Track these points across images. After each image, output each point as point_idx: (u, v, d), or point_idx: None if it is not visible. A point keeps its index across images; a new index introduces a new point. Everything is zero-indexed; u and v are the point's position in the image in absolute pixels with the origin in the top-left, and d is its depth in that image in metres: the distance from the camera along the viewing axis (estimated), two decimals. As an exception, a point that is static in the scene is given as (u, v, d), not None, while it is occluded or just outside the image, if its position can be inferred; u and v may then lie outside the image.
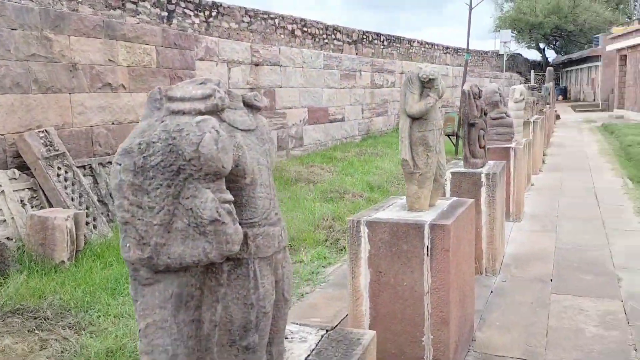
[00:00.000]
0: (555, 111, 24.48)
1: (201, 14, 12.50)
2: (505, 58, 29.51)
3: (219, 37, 12.32)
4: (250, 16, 14.21)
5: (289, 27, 16.26)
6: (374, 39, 21.32)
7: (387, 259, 2.83)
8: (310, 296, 4.24)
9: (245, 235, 1.32)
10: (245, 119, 1.41)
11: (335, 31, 18.50)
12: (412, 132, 2.97)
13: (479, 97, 4.96)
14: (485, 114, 5.11)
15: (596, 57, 32.36)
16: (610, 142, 15.12)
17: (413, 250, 2.79)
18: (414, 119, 2.96)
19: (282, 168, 10.17)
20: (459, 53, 30.38)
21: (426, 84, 2.95)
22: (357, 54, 19.61)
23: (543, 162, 11.61)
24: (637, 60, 22.63)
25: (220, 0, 13.19)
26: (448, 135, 13.12)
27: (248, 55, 10.56)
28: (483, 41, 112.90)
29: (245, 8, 14.41)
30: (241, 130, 1.37)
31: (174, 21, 11.68)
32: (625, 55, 24.68)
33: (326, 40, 17.84)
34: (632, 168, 10.49)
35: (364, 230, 2.87)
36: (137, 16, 10.94)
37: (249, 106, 1.45)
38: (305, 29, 16.79)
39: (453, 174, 4.71)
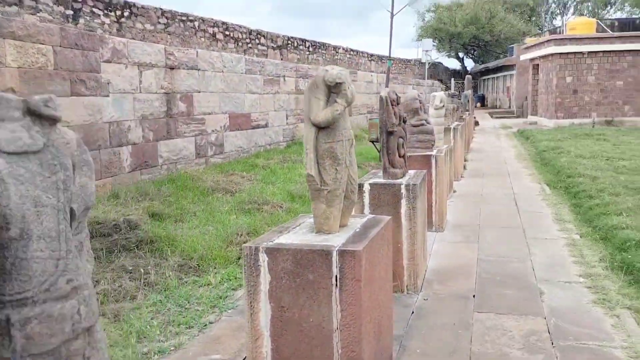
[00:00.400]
0: (474, 118, 25.25)
1: (112, 13, 11.67)
2: (427, 66, 30.22)
3: (133, 38, 11.55)
4: (167, 17, 13.49)
5: (210, 30, 15.63)
6: (299, 45, 21.06)
7: (291, 292, 2.43)
8: (215, 326, 3.77)
9: (7, 321, 0.86)
10: (18, 136, 0.93)
11: (259, 36, 18.06)
12: (318, 144, 2.59)
13: (397, 104, 4.70)
14: (404, 122, 4.86)
15: (511, 66, 33.87)
16: (526, 148, 15.62)
17: (320, 280, 2.40)
18: (320, 128, 2.58)
19: (199, 177, 9.58)
20: (383, 60, 30.79)
21: (333, 89, 2.58)
22: (282, 59, 19.26)
23: (464, 167, 11.72)
24: (549, 69, 23.78)
25: (134, 0, 12.41)
26: (373, 142, 13.02)
27: (162, 58, 9.90)
28: (407, 49, 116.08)
29: (161, 9, 13.66)
30: (6, 153, 0.90)
31: (81, 21, 10.79)
32: (538, 65, 25.90)
33: (250, 45, 17.36)
34: (548, 173, 10.76)
35: (264, 259, 2.45)
36: (38, 14, 10.00)
37: (37, 116, 0.98)
38: (227, 32, 16.23)
39: (372, 185, 4.40)
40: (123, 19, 12.02)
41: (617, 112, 22.61)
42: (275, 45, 18.96)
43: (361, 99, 21.93)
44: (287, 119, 15.16)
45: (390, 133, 4.50)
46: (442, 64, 48.81)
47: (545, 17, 53.55)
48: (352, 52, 26.20)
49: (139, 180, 9.26)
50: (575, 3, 52.36)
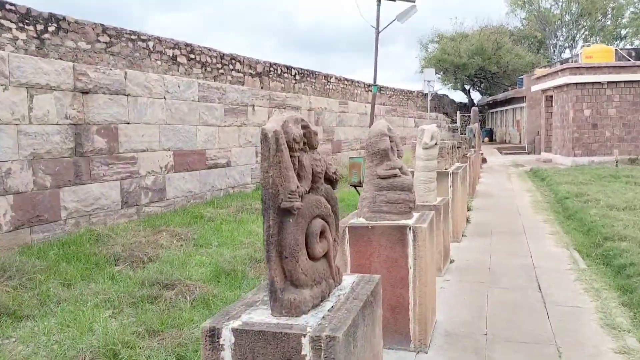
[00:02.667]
0: (482, 154, 22.86)
1: (30, 27, 9.47)
2: (429, 97, 27.99)
3: (60, 58, 9.33)
4: (109, 36, 11.29)
5: (169, 52, 13.42)
6: (284, 72, 18.87)
7: None
8: None
9: None
10: None
11: (233, 60, 15.87)
12: None
13: (312, 147, 2.27)
14: (334, 181, 2.43)
15: (521, 99, 31.59)
16: (543, 192, 13.10)
17: None
18: None
19: (109, 237, 7.14)
20: (381, 91, 28.63)
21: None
22: (262, 88, 17.07)
23: (467, 220, 9.22)
24: (564, 101, 21.42)
25: (64, 14, 10.23)
26: (354, 186, 10.57)
27: (68, 78, 7.61)
28: (411, 83, 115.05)
29: (102, 25, 11.45)
30: None
31: (-17, 34, 8.60)
32: (552, 96, 23.56)
33: (221, 71, 15.16)
34: (575, 232, 8.23)
35: None
36: None
37: None
38: (192, 55, 14.05)
39: (237, 334, 1.92)
40: (47, 35, 9.81)
41: (641, 149, 20.13)
42: (253, 72, 16.75)
43: (353, 132, 19.62)
44: (257, 156, 12.80)
45: (284, 212, 2.06)
46: (447, 96, 46.70)
47: (554, 51, 51.64)
48: (346, 82, 24.02)
49: (25, 243, 6.84)
50: (584, 36, 50.46)
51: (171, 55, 13.29)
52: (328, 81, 22.22)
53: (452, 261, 6.63)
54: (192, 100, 10.38)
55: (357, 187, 10.08)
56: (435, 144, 6.21)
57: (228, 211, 9.52)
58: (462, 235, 8.09)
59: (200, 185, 10.56)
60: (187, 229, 8.11)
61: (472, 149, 15.38)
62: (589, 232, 8.02)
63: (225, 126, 11.47)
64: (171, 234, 7.69)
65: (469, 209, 10.41)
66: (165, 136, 9.58)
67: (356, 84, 25.51)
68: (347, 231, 4.00)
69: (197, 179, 10.48)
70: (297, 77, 19.71)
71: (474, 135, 16.59)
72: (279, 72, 18.58)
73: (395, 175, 4.16)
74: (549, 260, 6.58)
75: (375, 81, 9.28)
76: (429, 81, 26.96)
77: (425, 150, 6.11)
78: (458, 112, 38.99)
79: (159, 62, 12.54)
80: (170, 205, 9.67)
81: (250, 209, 9.81)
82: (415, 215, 4.33)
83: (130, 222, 8.39)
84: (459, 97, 78.36)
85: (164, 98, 9.59)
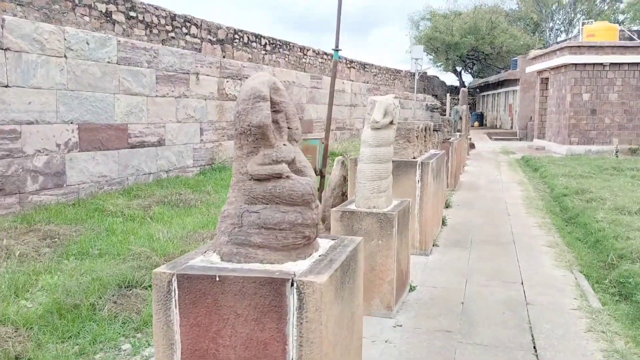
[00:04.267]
0: (470, 139, 20.98)
1: None
2: (417, 77, 25.91)
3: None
4: (15, -21, 9.18)
5: (102, 7, 11.26)
6: (251, 41, 16.71)
7: None
8: None
9: None
10: None
11: (188, 23, 13.73)
12: None
13: None
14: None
15: (514, 81, 29.63)
16: (537, 186, 11.25)
17: None
18: None
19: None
20: (366, 69, 26.53)
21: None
22: (224, 57, 14.98)
23: (443, 222, 7.33)
24: (561, 84, 19.50)
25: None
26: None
27: None
28: (401, 64, 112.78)
29: (4, -34, 9.30)
30: None
31: None
32: (547, 78, 21.62)
33: (172, 34, 13.03)
34: (580, 244, 6.36)
35: None
36: None
37: None
38: (132, 13, 11.89)
39: None
40: None
41: (644, 138, 18.35)
42: (214, 39, 14.59)
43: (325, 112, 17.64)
44: (202, 134, 10.80)
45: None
46: (437, 78, 44.58)
47: (550, 34, 49.56)
48: (325, 56, 21.91)
49: None
50: (581, 21, 48.36)
51: (104, 10, 11.11)
52: (304, 54, 20.08)
53: (412, 288, 4.73)
54: (109, 62, 8.32)
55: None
56: (392, 122, 4.26)
57: (144, 203, 7.56)
58: (433, 245, 6.20)
59: (119, 168, 8.56)
60: (72, 227, 6.14)
61: (458, 133, 13.46)
62: (597, 244, 6.17)
63: (157, 97, 9.43)
64: (43, 235, 5.73)
65: (447, 206, 8.53)
66: (66, 105, 7.54)
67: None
68: (174, 284, 2.06)
69: (115, 161, 8.47)
70: (268, 47, 17.57)
71: (460, 118, 14.66)
72: (246, 40, 16.43)
73: (279, 176, 2.22)
74: (546, 292, 4.70)
75: (337, 46, 7.33)
76: (416, 59, 24.84)
77: (374, 132, 4.16)
78: (448, 94, 36.98)
79: (86, 19, 10.39)
80: (73, 193, 7.68)
81: (175, 200, 7.85)
82: (320, 248, 2.40)
83: (5, 218, 6.40)
84: (450, 79, 76.17)
85: (64, 57, 7.53)
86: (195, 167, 10.54)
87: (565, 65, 18.75)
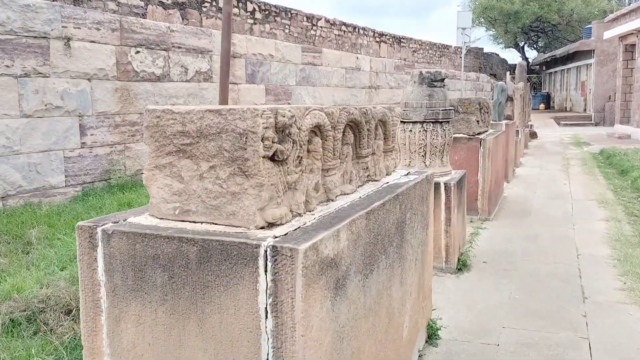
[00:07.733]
0: (531, 126, 16.41)
1: None
2: (464, 50, 21.30)
3: None
4: None
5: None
6: (238, 6, 12.95)
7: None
8: None
9: None
10: None
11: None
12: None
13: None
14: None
15: (588, 53, 24.33)
16: (629, 203, 6.86)
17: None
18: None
19: None
20: (402, 44, 22.16)
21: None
22: (201, 26, 11.34)
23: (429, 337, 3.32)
24: (655, 49, 14.55)
25: None
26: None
27: None
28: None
29: None
30: None
31: None
32: (634, 45, 16.59)
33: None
34: None
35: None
36: None
37: None
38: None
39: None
40: None
41: None
42: (169, 1, 10.89)
43: (331, 94, 13.60)
44: (83, 134, 7.16)
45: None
46: (497, 55, 39.19)
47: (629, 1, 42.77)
48: (345, 28, 17.83)
49: None
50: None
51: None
52: (314, 25, 16.10)
53: None
54: None
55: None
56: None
57: None
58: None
59: None
60: None
61: (504, 122, 9.08)
62: None
63: (-9, 77, 5.87)
64: None
65: (462, 265, 4.46)
66: None
67: (362, 31, 19.19)
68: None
69: None
70: (258, 15, 13.74)
71: (510, 99, 10.32)
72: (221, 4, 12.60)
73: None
74: None
75: None
76: (463, 29, 20.25)
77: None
78: (508, 73, 31.84)
79: None
80: None
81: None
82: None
83: None
84: (512, 57, 69.27)
85: None
86: (71, 186, 6.93)
87: (662, 24, 13.81)
